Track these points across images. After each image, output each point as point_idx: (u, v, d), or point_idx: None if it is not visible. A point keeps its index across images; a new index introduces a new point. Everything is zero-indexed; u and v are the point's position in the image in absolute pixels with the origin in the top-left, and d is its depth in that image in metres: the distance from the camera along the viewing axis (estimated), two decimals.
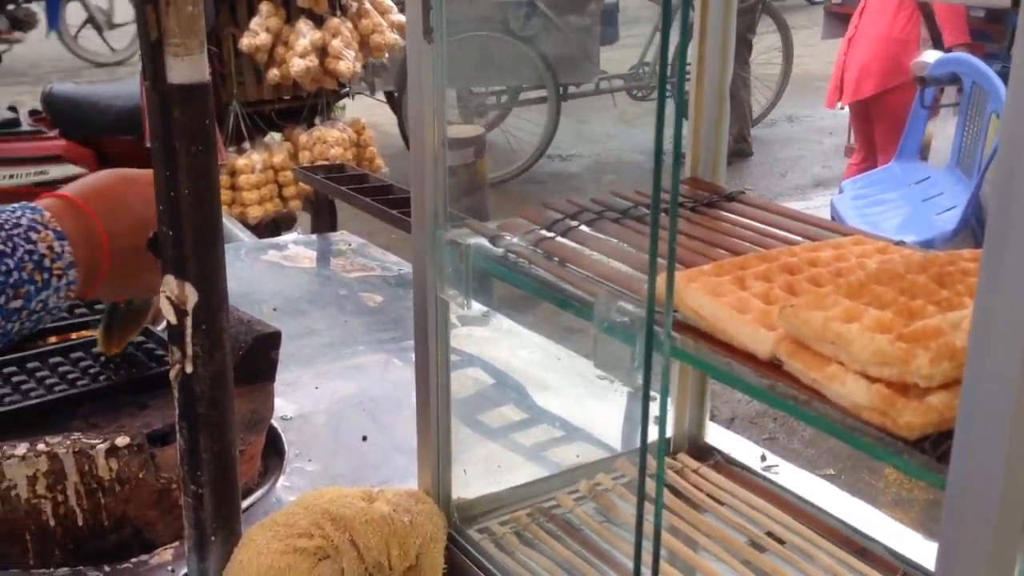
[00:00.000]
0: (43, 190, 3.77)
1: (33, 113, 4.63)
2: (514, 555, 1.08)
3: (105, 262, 0.87)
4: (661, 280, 0.77)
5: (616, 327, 0.81)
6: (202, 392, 0.98)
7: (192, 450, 1.00)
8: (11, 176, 4.34)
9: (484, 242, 0.98)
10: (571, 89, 7.19)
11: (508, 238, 0.98)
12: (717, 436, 1.30)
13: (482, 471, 1.28)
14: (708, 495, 1.19)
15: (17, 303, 0.78)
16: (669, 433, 1.30)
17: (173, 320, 0.96)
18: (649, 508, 1.12)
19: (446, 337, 1.03)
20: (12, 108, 4.58)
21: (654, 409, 1.44)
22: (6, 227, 0.79)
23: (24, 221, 0.81)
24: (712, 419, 1.32)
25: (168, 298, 0.95)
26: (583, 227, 1.00)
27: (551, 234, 0.99)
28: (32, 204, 0.83)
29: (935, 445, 0.61)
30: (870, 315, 0.68)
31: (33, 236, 0.81)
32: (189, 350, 0.96)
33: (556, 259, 0.93)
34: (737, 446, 1.30)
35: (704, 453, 1.28)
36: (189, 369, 0.97)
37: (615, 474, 1.21)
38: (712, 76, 1.14)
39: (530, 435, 1.42)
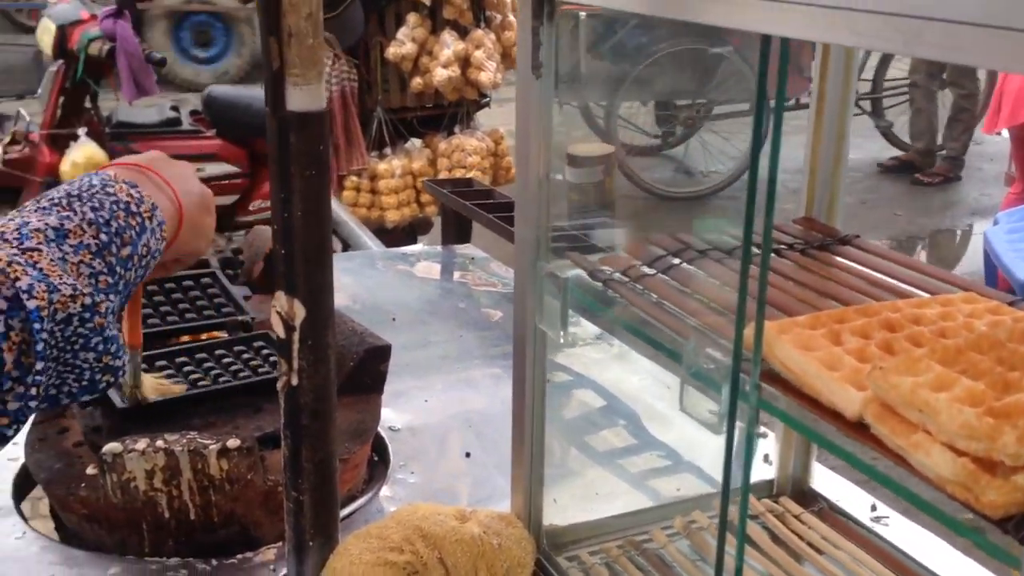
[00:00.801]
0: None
1: (194, 113, 4.89)
2: None
3: (181, 212, 0.91)
4: (750, 330, 0.76)
5: (703, 373, 0.80)
6: (306, 404, 1.02)
7: (295, 458, 1.04)
8: None
9: (583, 275, 0.99)
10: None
11: (608, 272, 0.99)
12: (824, 481, 1.27)
13: (579, 497, 1.28)
14: (809, 544, 1.16)
15: (126, 250, 0.81)
16: (772, 475, 1.27)
17: (282, 334, 1.00)
18: (751, 554, 1.10)
19: (543, 364, 1.05)
20: (175, 108, 4.84)
21: (766, 447, 1.42)
22: (84, 192, 0.82)
23: (95, 182, 0.84)
24: (820, 461, 1.29)
25: (278, 313, 1.00)
26: (684, 265, 0.99)
27: (652, 271, 0.98)
28: (89, 172, 0.87)
29: (1018, 527, 0.59)
30: (962, 385, 0.66)
31: (110, 190, 0.83)
32: (295, 363, 1.00)
33: (653, 297, 0.93)
34: (845, 493, 1.27)
35: (808, 498, 1.25)
36: (295, 381, 1.01)
37: (711, 513, 1.19)
38: (831, 113, 1.11)
39: (633, 463, 1.41)
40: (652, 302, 0.92)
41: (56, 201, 0.81)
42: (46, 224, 0.77)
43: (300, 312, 0.99)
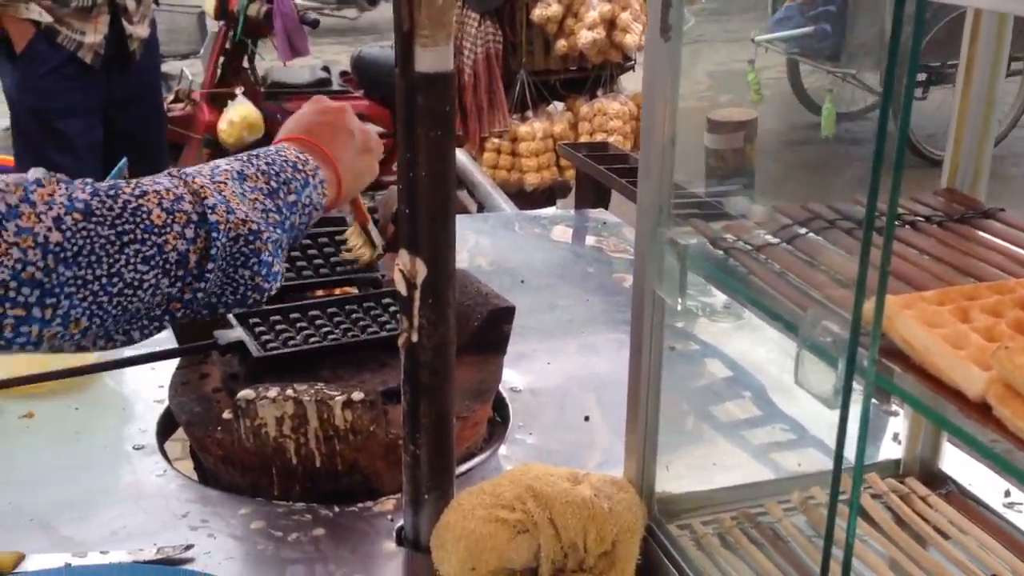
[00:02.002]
0: None
1: (343, 74, 5.01)
2: (713, 557, 1.07)
3: (337, 171, 1.04)
4: (871, 303, 0.73)
5: (820, 346, 0.78)
6: (425, 361, 1.04)
7: (413, 413, 1.07)
8: None
9: (705, 242, 0.97)
10: None
11: (730, 240, 0.97)
12: (955, 462, 1.22)
13: (695, 466, 1.27)
14: (935, 527, 1.12)
15: (292, 197, 0.97)
16: (899, 455, 1.23)
17: (404, 292, 1.03)
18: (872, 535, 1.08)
19: (660, 331, 1.04)
20: (325, 68, 4.98)
21: (896, 426, 1.37)
22: (261, 153, 0.99)
23: (271, 148, 1.01)
24: (952, 442, 1.24)
25: (400, 271, 1.02)
26: (811, 235, 0.96)
27: (776, 240, 0.96)
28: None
29: None
30: None
31: (283, 153, 1.00)
32: (416, 321, 1.03)
33: (775, 267, 0.91)
34: (977, 476, 1.21)
35: (937, 480, 1.20)
36: (415, 339, 1.04)
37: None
38: (980, 79, 1.05)
39: (754, 435, 1.39)
40: (772, 271, 0.90)
41: (238, 157, 0.99)
42: (231, 168, 0.95)
43: (422, 270, 1.01)
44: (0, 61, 3.24)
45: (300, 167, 0.99)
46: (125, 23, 3.24)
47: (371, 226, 1.29)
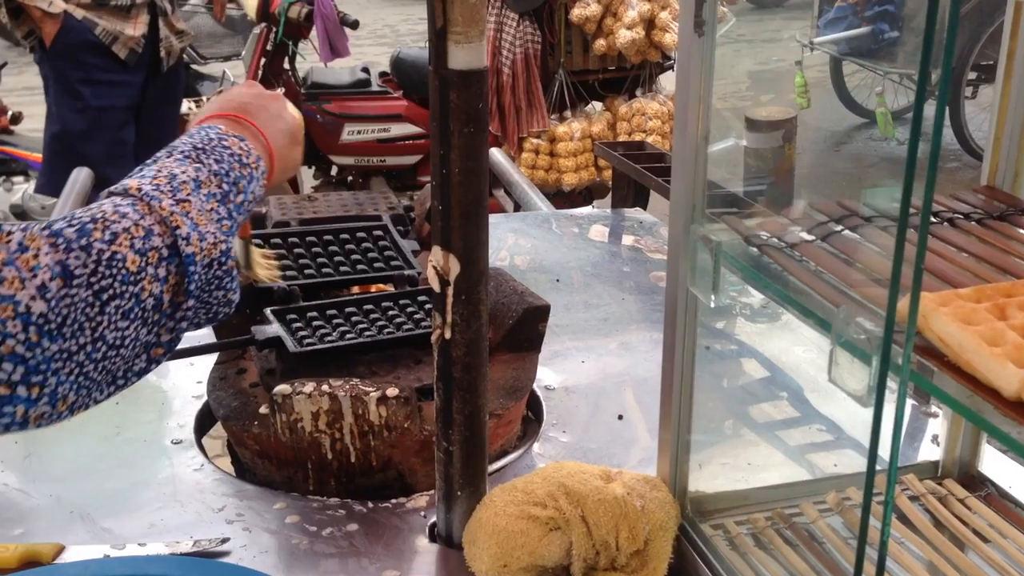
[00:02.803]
0: (385, 146, 4.08)
1: (383, 75, 5.04)
2: (746, 557, 1.07)
3: (272, 156, 1.01)
4: (905, 300, 0.72)
5: (853, 344, 0.77)
6: (458, 357, 1.05)
7: (446, 409, 1.08)
8: (359, 132, 4.76)
9: (738, 239, 0.97)
10: None
11: (764, 237, 0.96)
12: (994, 464, 1.20)
13: (729, 466, 1.26)
14: (973, 530, 1.10)
15: (240, 197, 0.93)
16: (938, 457, 1.21)
17: (436, 288, 1.03)
18: (909, 537, 1.06)
19: (693, 328, 1.03)
20: (365, 69, 5.01)
21: (935, 428, 1.35)
22: (206, 145, 0.93)
23: (212, 135, 0.95)
24: (992, 444, 1.22)
25: (434, 267, 1.03)
26: (846, 232, 0.95)
27: (811, 237, 0.95)
28: (202, 125, 0.98)
29: None
30: None
31: (225, 143, 0.95)
32: (449, 317, 1.03)
33: (810, 264, 0.90)
34: (1017, 478, 1.19)
35: (976, 482, 1.18)
36: (448, 335, 1.04)
37: None
38: (1020, 75, 1.04)
39: (789, 435, 1.37)
40: (807, 268, 0.89)
41: (187, 153, 0.91)
42: (187, 175, 0.88)
43: (455, 267, 1.02)
44: (39, 57, 3.30)
45: (245, 160, 0.94)
46: (163, 25, 3.29)
47: (252, 244, 1.26)
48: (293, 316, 1.38)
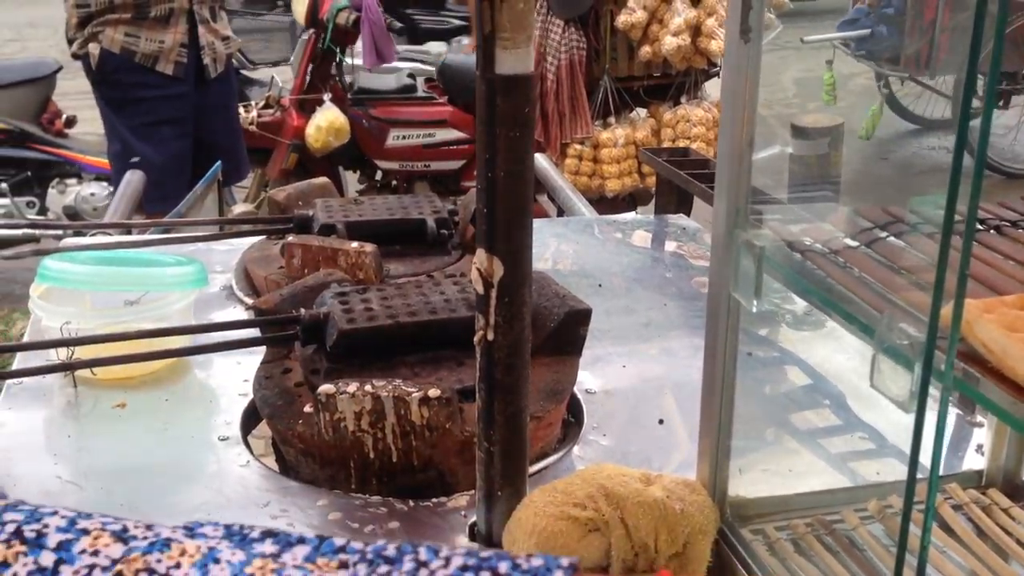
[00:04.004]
0: (430, 151, 4.12)
1: (428, 81, 5.09)
2: (786, 562, 1.06)
3: None
4: (949, 307, 0.72)
5: (896, 349, 0.77)
6: (500, 359, 1.06)
7: (487, 410, 1.09)
8: (404, 137, 4.80)
9: (782, 245, 0.97)
10: None
11: (808, 243, 0.96)
12: None
13: (770, 472, 1.26)
14: (1017, 540, 1.09)
15: None
16: (982, 466, 1.20)
17: (480, 290, 1.04)
18: (952, 546, 1.06)
19: (735, 333, 1.03)
20: (411, 75, 5.05)
21: (980, 438, 1.34)
22: None
23: None
24: None
25: (478, 269, 1.04)
26: (891, 239, 0.95)
27: (855, 243, 0.95)
28: None
29: None
30: None
31: None
32: (492, 319, 1.04)
33: (854, 271, 0.90)
34: None
35: (1020, 492, 1.17)
36: (491, 337, 1.05)
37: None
38: None
39: (831, 443, 1.37)
40: (850, 274, 0.89)
41: None
42: None
43: (499, 270, 1.03)
44: (91, 82, 3.39)
45: None
46: (204, 32, 3.34)
47: None
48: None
